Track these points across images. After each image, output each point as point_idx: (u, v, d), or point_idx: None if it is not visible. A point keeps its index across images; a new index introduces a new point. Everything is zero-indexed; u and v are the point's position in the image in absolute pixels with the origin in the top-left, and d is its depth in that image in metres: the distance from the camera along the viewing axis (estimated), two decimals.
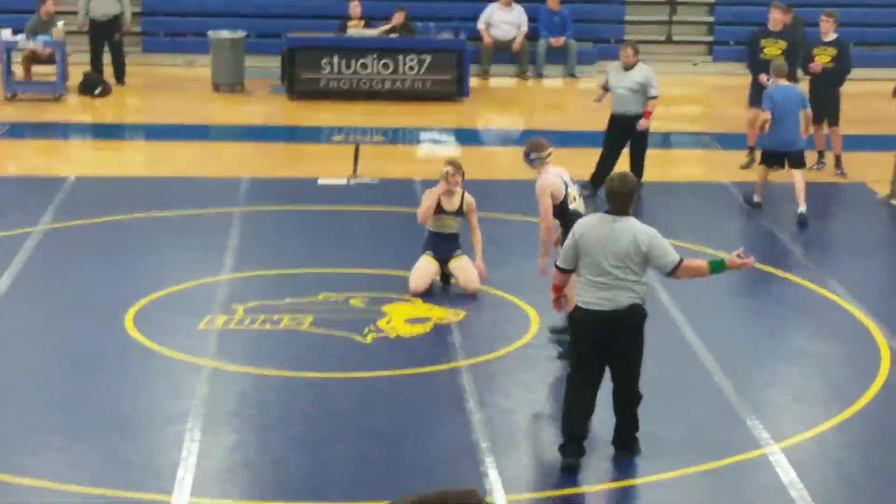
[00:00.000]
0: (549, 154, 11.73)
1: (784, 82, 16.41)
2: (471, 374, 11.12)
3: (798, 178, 16.08)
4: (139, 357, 11.46)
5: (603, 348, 9.35)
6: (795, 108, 16.18)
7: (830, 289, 13.46)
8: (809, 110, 16.45)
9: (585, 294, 9.31)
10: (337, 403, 10.63)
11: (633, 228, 9.25)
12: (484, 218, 14.09)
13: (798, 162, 16.22)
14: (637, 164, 16.76)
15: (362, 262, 13.85)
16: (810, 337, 12.47)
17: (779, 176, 17.98)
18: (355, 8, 23.76)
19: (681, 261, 9.29)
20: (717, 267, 9.46)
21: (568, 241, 9.49)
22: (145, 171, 18.36)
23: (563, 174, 11.69)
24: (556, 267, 9.66)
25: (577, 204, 11.63)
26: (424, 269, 13.01)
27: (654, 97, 16.62)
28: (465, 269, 13.02)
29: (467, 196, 13.21)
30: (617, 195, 9.31)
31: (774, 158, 16.31)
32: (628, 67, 16.63)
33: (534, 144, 11.72)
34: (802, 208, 15.94)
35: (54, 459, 9.54)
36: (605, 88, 16.94)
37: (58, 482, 9.14)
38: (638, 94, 16.54)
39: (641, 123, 16.63)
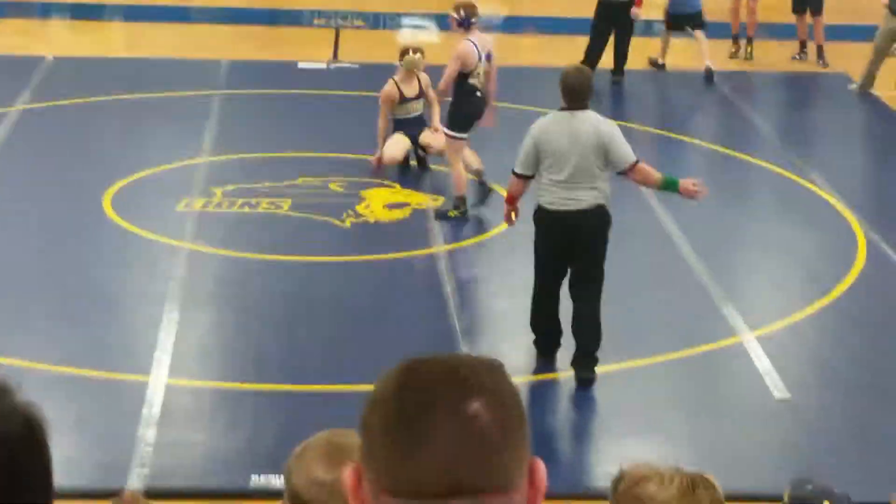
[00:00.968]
0: (477, 20, 11.93)
1: None
2: (449, 259, 11.14)
3: (700, 36, 17.03)
4: (117, 238, 11.45)
5: (566, 250, 9.08)
6: None
7: (809, 178, 13.46)
8: None
9: (548, 195, 8.99)
10: (315, 287, 10.65)
11: (592, 121, 8.98)
12: None
13: (699, 23, 17.11)
14: (621, 52, 16.65)
15: (341, 146, 13.79)
16: (788, 226, 12.49)
17: (755, 64, 17.94)
18: None
19: (637, 161, 9.08)
20: (669, 184, 9.25)
21: (526, 146, 9.09)
22: (124, 52, 18.19)
23: (482, 45, 11.84)
24: (514, 174, 9.25)
25: (477, 80, 11.90)
26: (399, 140, 13.00)
27: None
28: (435, 136, 13.01)
29: (422, 75, 13.23)
30: (573, 90, 8.98)
31: (680, 21, 17.10)
32: None
33: (468, 6, 11.94)
34: (708, 63, 16.83)
35: (31, 339, 9.56)
36: None
37: (34, 361, 9.16)
38: None
39: (633, 11, 16.45)
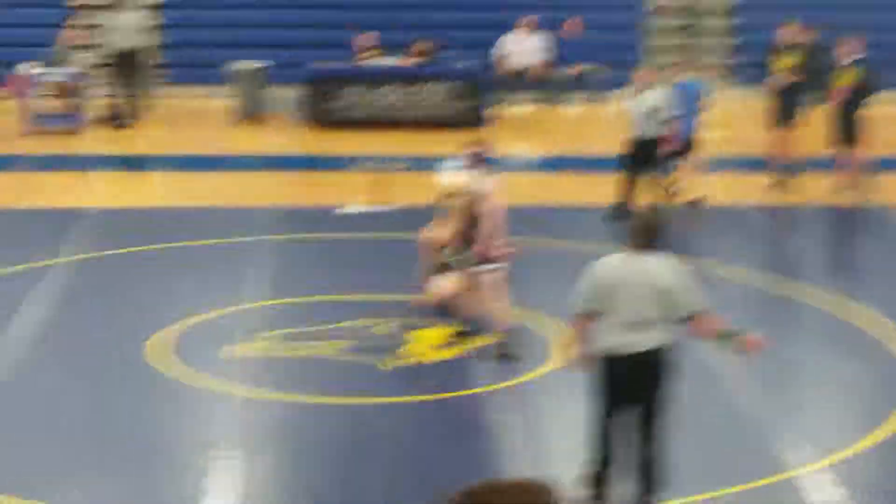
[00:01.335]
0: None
1: (688, 76, 17.87)
2: (497, 399, 11.07)
3: (688, 164, 17.38)
4: (165, 387, 11.44)
5: (628, 393, 8.79)
6: (691, 102, 17.32)
7: (859, 314, 13.38)
8: (705, 103, 17.75)
9: (611, 337, 8.70)
10: (363, 430, 10.58)
11: (660, 266, 8.70)
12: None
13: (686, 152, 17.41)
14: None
15: (385, 288, 13.82)
16: (837, 362, 12.37)
17: (796, 197, 17.94)
18: (365, 39, 23.71)
19: (700, 311, 8.69)
20: (724, 340, 8.88)
21: (587, 286, 8.78)
22: (167, 202, 18.38)
23: None
24: (575, 315, 8.86)
25: None
26: (447, 277, 12.84)
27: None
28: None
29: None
30: (646, 230, 8.74)
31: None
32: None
33: (486, 144, 12.03)
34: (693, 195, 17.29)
35: (85, 488, 9.50)
36: None
37: None
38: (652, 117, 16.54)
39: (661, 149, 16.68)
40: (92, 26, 25.93)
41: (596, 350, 8.81)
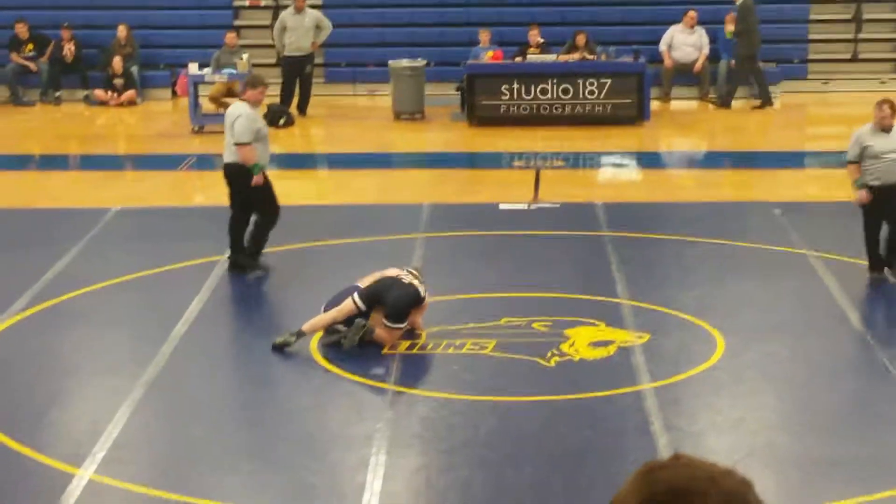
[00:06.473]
0: None
1: None
2: (656, 397, 10.98)
3: None
4: (323, 381, 11.56)
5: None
6: None
7: None
8: None
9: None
10: (520, 426, 10.57)
11: (238, 109, 14.16)
12: (667, 240, 13.91)
13: None
14: None
15: (544, 286, 13.78)
16: None
17: None
18: (535, 36, 23.81)
19: (247, 143, 14.03)
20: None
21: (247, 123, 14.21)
22: (329, 200, 18.56)
23: None
24: None
25: None
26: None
27: None
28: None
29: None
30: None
31: None
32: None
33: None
34: None
35: (240, 482, 9.64)
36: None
37: None
38: None
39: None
40: (262, 27, 26.34)
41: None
